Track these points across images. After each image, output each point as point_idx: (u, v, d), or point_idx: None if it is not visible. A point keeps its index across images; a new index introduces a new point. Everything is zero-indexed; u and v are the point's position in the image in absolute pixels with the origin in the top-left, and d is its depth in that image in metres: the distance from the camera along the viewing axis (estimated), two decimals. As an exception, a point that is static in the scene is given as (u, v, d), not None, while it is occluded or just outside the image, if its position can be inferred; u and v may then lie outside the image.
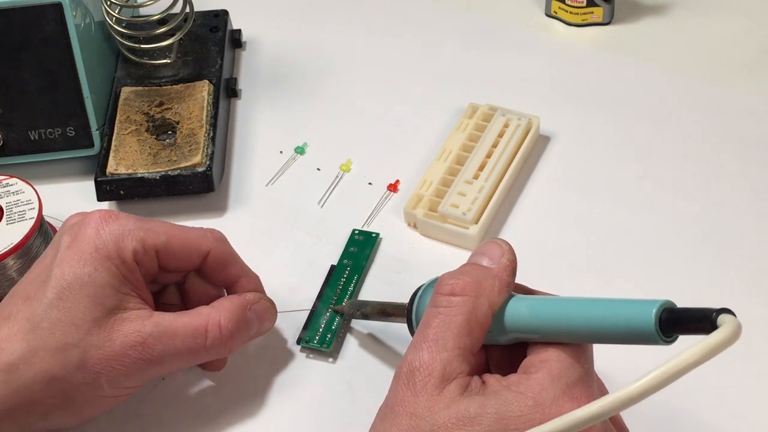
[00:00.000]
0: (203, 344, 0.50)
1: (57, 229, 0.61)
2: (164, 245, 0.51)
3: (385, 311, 0.53)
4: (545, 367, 0.42)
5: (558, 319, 0.43)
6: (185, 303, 0.55)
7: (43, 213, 0.58)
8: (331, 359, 0.56)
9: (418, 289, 0.50)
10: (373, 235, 0.62)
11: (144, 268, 0.51)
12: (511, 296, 0.45)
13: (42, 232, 0.58)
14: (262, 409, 0.54)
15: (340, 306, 0.57)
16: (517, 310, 0.44)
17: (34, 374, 0.47)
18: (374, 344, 0.56)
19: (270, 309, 0.54)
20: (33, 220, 0.57)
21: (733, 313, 0.38)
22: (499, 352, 0.46)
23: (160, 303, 0.54)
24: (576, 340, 0.43)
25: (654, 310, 0.39)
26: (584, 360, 0.43)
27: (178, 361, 0.50)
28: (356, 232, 0.62)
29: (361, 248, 0.61)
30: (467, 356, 0.43)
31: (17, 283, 0.51)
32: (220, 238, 0.54)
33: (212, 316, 0.51)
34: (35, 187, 0.59)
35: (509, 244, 0.46)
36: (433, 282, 0.49)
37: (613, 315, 0.41)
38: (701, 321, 0.38)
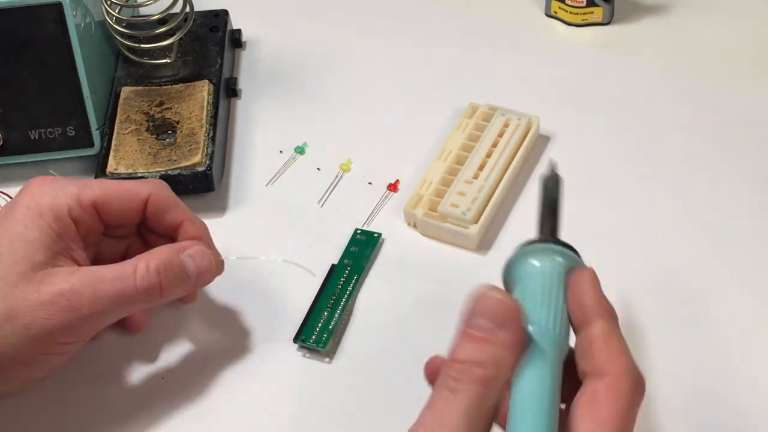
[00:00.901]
0: (133, 286, 0.49)
1: None
2: (101, 198, 0.52)
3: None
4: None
5: None
6: None
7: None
8: (327, 359, 0.56)
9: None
10: (375, 235, 0.62)
11: (84, 225, 0.51)
12: None
13: None
14: (257, 407, 0.54)
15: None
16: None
17: None
18: (371, 344, 0.56)
19: (206, 253, 0.53)
20: None
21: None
22: None
23: None
24: None
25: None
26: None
27: (111, 308, 0.49)
28: (358, 231, 0.62)
29: (363, 248, 0.61)
30: None
31: None
32: (160, 184, 0.54)
33: (141, 259, 0.51)
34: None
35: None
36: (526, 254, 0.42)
37: None
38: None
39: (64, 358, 0.50)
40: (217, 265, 0.54)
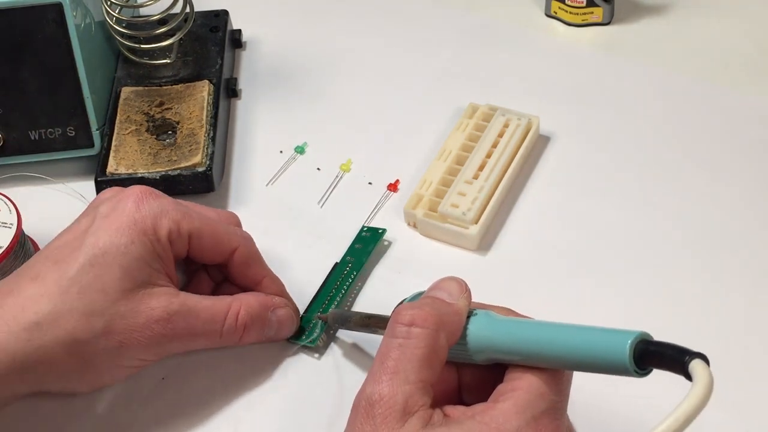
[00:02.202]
0: (219, 331, 0.52)
1: (39, 245, 0.61)
2: (197, 231, 0.52)
3: (369, 323, 0.52)
4: (513, 396, 0.41)
5: (534, 341, 0.42)
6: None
7: (38, 217, 0.58)
8: (317, 355, 0.56)
9: (402, 302, 0.49)
10: (380, 231, 0.62)
11: (175, 250, 0.52)
12: (489, 315, 0.45)
13: (22, 247, 0.58)
14: (247, 403, 0.54)
15: (324, 315, 0.56)
16: (494, 330, 0.44)
17: (57, 336, 0.48)
18: (362, 341, 0.56)
19: (292, 317, 0.55)
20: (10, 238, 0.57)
21: (706, 359, 0.37)
22: (472, 376, 0.46)
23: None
24: (550, 365, 0.42)
25: (629, 342, 0.39)
26: (557, 390, 0.42)
27: (195, 342, 0.52)
28: (365, 228, 0.62)
29: (366, 245, 0.61)
30: (428, 389, 0.42)
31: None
32: (248, 237, 0.55)
33: (234, 305, 0.52)
34: (17, 203, 0.59)
35: (467, 284, 0.46)
36: (417, 296, 0.48)
37: (588, 343, 0.41)
38: (674, 361, 0.38)
39: (138, 369, 0.52)
40: (297, 323, 0.56)
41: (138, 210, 0.51)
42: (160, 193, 0.52)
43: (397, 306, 0.48)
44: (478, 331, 0.44)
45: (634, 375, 0.39)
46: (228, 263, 0.54)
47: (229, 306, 0.52)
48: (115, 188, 0.53)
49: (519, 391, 0.42)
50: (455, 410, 0.42)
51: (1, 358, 0.47)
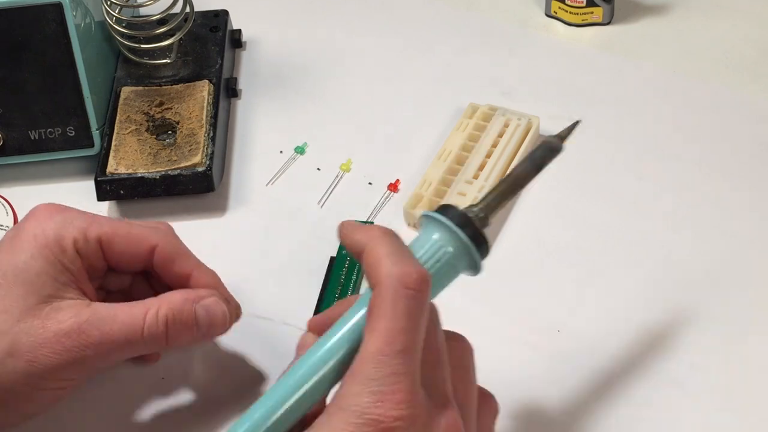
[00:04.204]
0: (140, 333, 0.48)
1: None
2: (107, 236, 0.50)
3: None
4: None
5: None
6: None
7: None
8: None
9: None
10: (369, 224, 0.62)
11: (88, 260, 0.50)
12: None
13: None
14: (246, 404, 0.52)
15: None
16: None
17: None
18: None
19: (220, 306, 0.50)
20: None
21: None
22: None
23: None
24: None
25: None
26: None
27: (116, 351, 0.48)
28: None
29: None
30: None
31: None
32: (168, 232, 0.52)
33: (152, 304, 0.49)
34: (17, 203, 0.58)
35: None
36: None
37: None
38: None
39: (66, 392, 0.49)
40: (231, 316, 0.51)
41: (39, 225, 0.49)
42: (67, 207, 0.51)
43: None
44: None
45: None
46: (152, 265, 0.51)
47: (147, 307, 0.48)
48: (30, 210, 0.51)
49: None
50: None
51: None
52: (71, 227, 0.49)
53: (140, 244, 0.51)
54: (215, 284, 0.52)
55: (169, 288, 0.52)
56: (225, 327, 0.51)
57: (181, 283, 0.52)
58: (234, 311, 0.52)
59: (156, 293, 0.51)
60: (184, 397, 0.54)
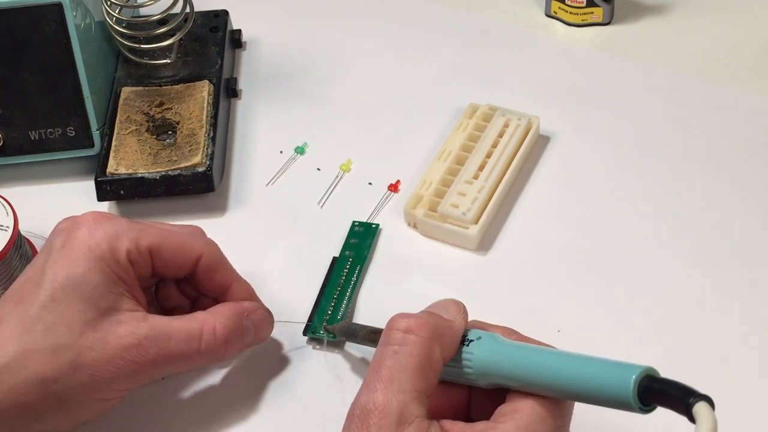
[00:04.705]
0: (197, 349, 0.50)
1: (37, 247, 0.60)
2: (157, 245, 0.51)
3: (376, 339, 0.50)
4: (515, 418, 0.41)
5: (538, 371, 0.42)
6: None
7: (37, 218, 0.58)
8: (337, 349, 0.56)
9: None
10: (373, 226, 0.62)
11: (138, 269, 0.51)
12: (494, 339, 0.44)
13: (18, 250, 0.58)
14: (246, 405, 0.54)
15: (332, 326, 0.56)
16: (498, 355, 0.43)
17: (26, 376, 0.46)
18: (366, 349, 0.56)
19: (267, 318, 0.54)
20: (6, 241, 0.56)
21: (711, 402, 0.37)
22: (484, 393, 0.45)
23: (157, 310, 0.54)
24: (552, 395, 0.42)
25: (633, 378, 0.39)
26: (559, 416, 0.42)
27: (172, 364, 0.50)
28: (356, 223, 0.63)
29: (362, 239, 0.61)
30: (423, 399, 0.41)
31: (9, 287, 0.50)
32: (212, 243, 0.54)
33: (208, 321, 0.51)
34: (17, 203, 0.58)
35: (465, 306, 0.46)
36: None
37: (593, 376, 0.40)
38: (678, 401, 0.38)
39: (119, 400, 0.50)
40: (270, 322, 0.55)
41: (92, 236, 0.49)
42: (114, 215, 0.51)
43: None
44: (483, 354, 0.44)
45: (637, 411, 0.39)
46: (194, 273, 0.53)
47: (202, 323, 0.50)
48: (71, 217, 0.51)
49: (521, 413, 0.41)
50: (454, 426, 0.42)
51: None
52: (124, 238, 0.50)
53: (187, 254, 0.52)
54: (252, 295, 0.55)
55: (196, 291, 0.54)
56: (269, 333, 0.55)
57: (220, 292, 0.54)
58: (272, 320, 0.55)
59: (182, 294, 0.54)
60: (184, 397, 0.54)
